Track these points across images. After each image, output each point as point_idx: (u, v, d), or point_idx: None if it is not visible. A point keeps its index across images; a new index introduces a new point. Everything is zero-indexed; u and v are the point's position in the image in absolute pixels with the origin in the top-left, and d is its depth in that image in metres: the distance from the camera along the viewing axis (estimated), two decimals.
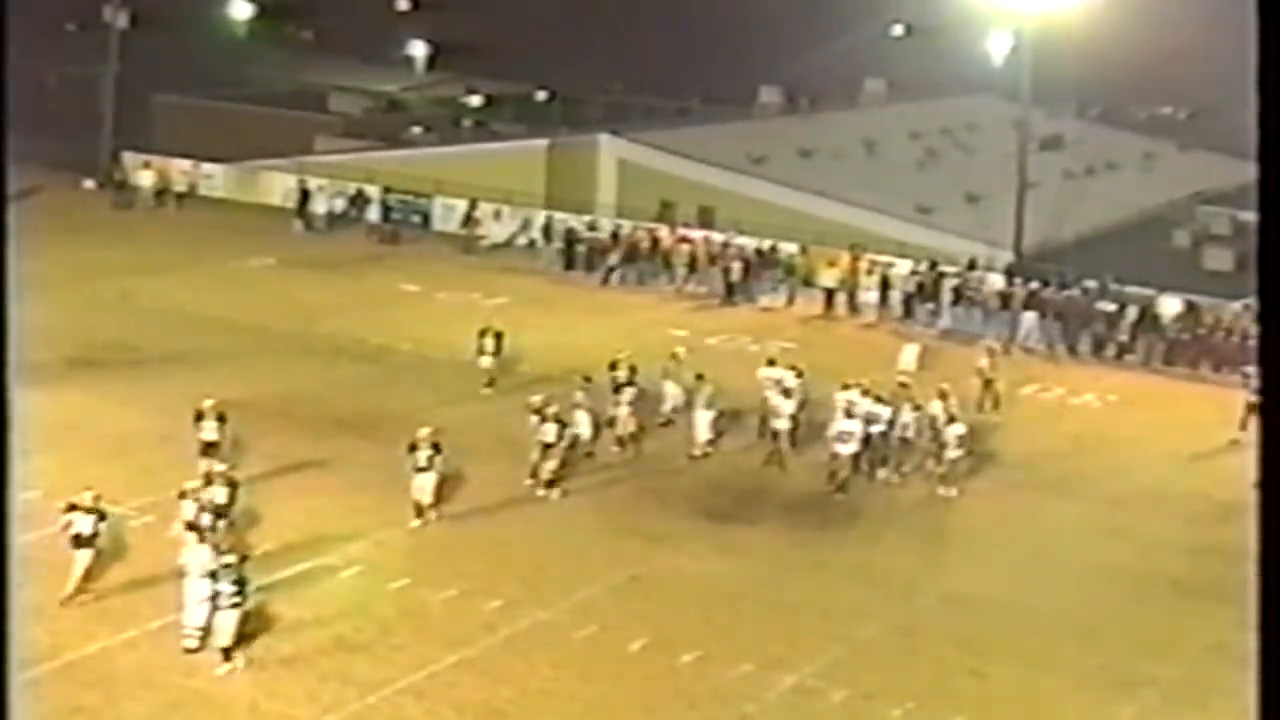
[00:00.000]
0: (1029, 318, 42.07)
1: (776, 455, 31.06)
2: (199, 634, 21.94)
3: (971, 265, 45.04)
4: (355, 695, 21.08)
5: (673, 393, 33.01)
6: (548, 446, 28.76)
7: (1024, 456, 32.73)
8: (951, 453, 30.04)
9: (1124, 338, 41.14)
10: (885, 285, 44.59)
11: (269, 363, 36.33)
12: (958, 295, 43.51)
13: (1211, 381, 38.59)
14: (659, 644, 22.97)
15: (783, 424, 31.24)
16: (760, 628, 23.91)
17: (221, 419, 27.96)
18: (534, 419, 28.81)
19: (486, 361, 34.63)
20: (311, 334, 39.20)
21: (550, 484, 28.74)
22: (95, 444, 29.73)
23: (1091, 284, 43.28)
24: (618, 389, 32.02)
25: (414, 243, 50.94)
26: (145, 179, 54.55)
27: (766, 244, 47.04)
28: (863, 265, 45.47)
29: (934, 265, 44.76)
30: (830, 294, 44.81)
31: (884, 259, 45.62)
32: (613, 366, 32.49)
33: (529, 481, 28.70)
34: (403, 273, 46.20)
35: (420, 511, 26.83)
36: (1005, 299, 42.90)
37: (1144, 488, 31.66)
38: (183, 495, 24.37)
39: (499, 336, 34.86)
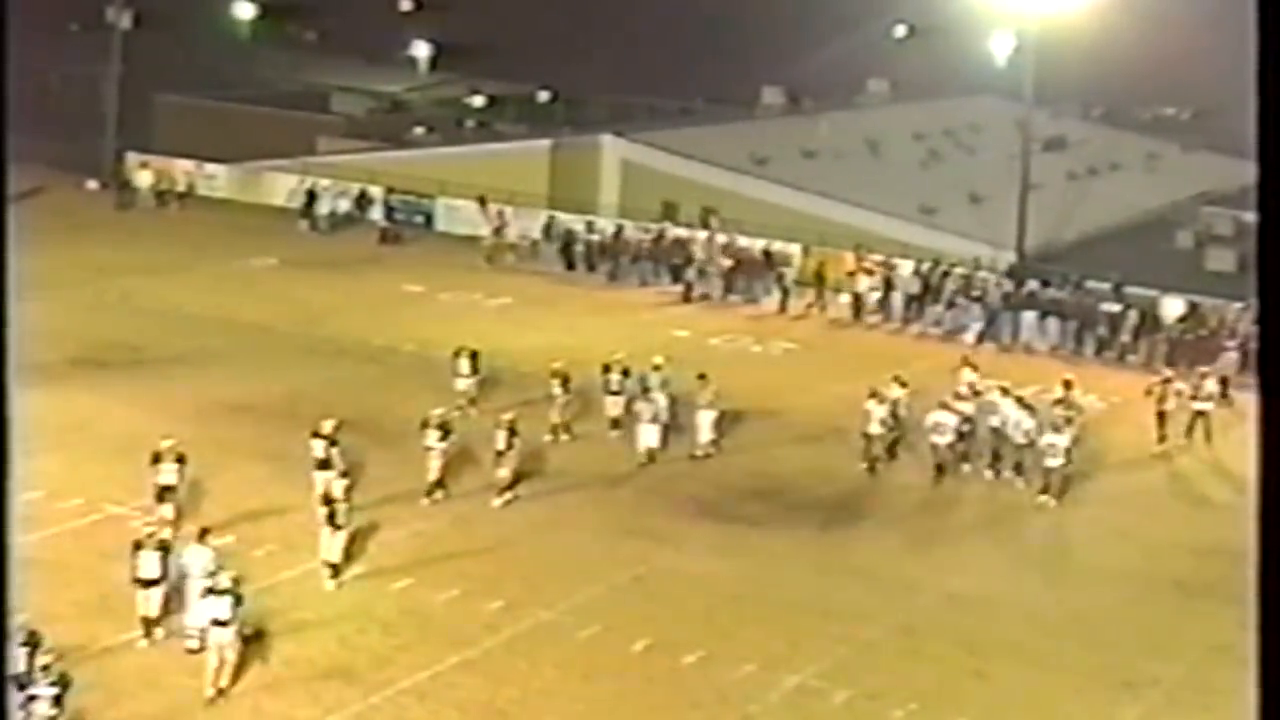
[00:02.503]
0: (1031, 318, 42.07)
1: (885, 452, 31.35)
2: (201, 634, 21.95)
3: (977, 266, 45.05)
4: (358, 695, 21.10)
5: (656, 400, 31.78)
6: (499, 454, 28.39)
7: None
8: (1050, 460, 29.85)
9: (1127, 338, 41.12)
10: (889, 286, 44.53)
11: (272, 363, 36.36)
12: (962, 295, 43.49)
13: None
14: (662, 644, 22.98)
15: (874, 428, 31.09)
16: (763, 628, 23.91)
17: (181, 460, 25.80)
18: (433, 433, 28.11)
19: (463, 384, 32.97)
20: (314, 334, 39.22)
21: (504, 490, 28.35)
22: (98, 444, 29.77)
23: (1095, 285, 43.26)
24: (612, 392, 32.01)
25: (417, 243, 50.97)
26: (143, 179, 54.62)
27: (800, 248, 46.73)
28: (866, 266, 45.41)
29: (937, 264, 44.77)
30: (858, 299, 44.50)
31: (889, 260, 45.54)
32: (606, 369, 32.34)
33: (425, 501, 27.90)
34: (406, 273, 46.22)
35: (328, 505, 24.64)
36: (1008, 299, 42.92)
37: (1147, 488, 31.65)
38: (138, 546, 22.31)
39: (475, 356, 33.37)
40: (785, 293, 44.88)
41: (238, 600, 20.99)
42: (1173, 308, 42.04)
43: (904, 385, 32.28)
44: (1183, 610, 25.67)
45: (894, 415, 31.52)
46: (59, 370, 33.22)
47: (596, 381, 32.60)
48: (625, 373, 32.24)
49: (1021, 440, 30.38)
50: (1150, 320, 41.33)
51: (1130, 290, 42.86)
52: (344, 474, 26.39)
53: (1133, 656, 23.65)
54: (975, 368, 34.18)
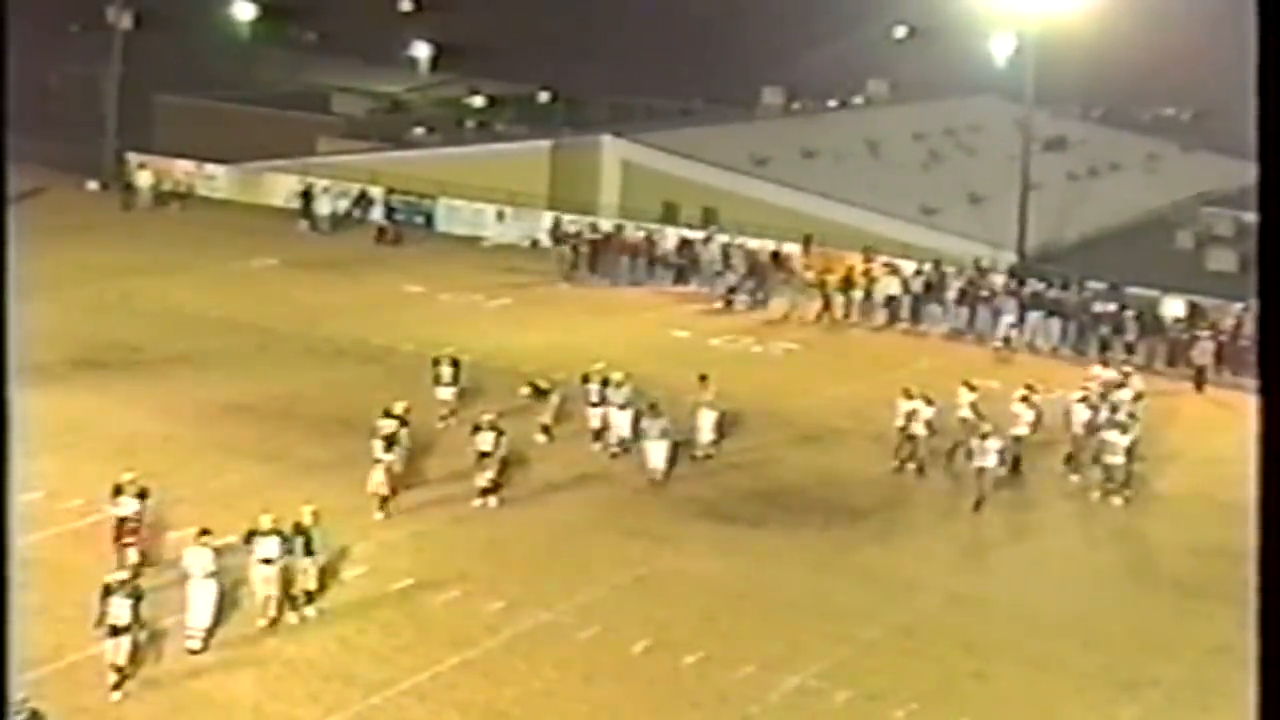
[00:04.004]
0: (1034, 318, 42.05)
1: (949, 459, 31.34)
2: (202, 635, 21.97)
3: (976, 266, 45.05)
4: (358, 696, 21.10)
5: (619, 421, 31.04)
6: (484, 455, 28.13)
7: (1026, 457, 32.64)
8: (1110, 459, 30.03)
9: (1131, 338, 41.06)
10: (904, 287, 44.27)
11: (271, 363, 36.37)
12: (963, 295, 43.46)
13: (1214, 382, 38.55)
14: (662, 645, 22.97)
15: (919, 428, 30.93)
16: (763, 629, 23.90)
17: (142, 495, 24.45)
18: (378, 444, 27.42)
19: (445, 393, 31.99)
20: (314, 335, 39.21)
21: (485, 492, 28.13)
22: (98, 444, 29.75)
23: (1096, 285, 43.23)
24: (592, 404, 31.27)
25: (417, 243, 50.97)
26: (143, 180, 54.63)
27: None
28: (873, 268, 45.19)
29: (937, 265, 44.75)
30: (891, 301, 44.12)
31: (895, 261, 45.39)
32: (585, 379, 31.56)
33: (380, 515, 27.08)
34: (406, 274, 46.21)
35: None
36: (1008, 299, 42.87)
37: (1147, 488, 31.62)
38: (108, 591, 21.00)
39: (456, 364, 32.53)
40: (828, 300, 43.86)
41: (283, 539, 22.80)
42: (1173, 308, 42.03)
43: (973, 389, 32.13)
44: (1182, 610, 25.66)
45: (963, 420, 31.41)
46: (59, 370, 33.22)
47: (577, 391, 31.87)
48: (605, 382, 31.43)
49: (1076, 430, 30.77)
50: (1151, 321, 41.30)
51: (1130, 290, 42.83)
52: (409, 451, 27.82)
53: (1133, 656, 23.65)
54: (1107, 364, 34.51)
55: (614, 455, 30.84)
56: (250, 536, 22.84)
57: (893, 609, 24.96)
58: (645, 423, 30.20)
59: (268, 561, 22.70)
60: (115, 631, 20.70)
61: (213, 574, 22.31)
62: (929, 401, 31.19)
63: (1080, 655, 23.56)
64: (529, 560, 26.11)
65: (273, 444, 30.30)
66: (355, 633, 22.97)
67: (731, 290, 45.12)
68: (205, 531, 23.00)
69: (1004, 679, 22.80)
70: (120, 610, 20.73)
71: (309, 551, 23.25)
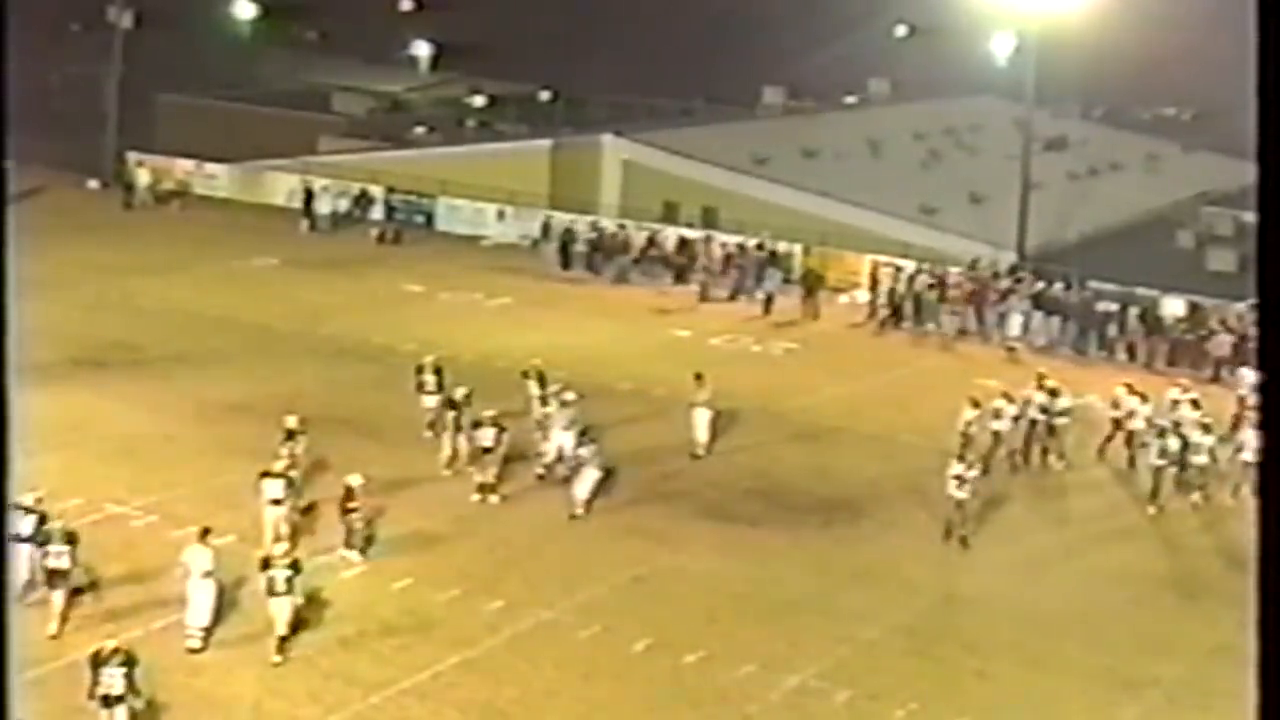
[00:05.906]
0: (1038, 317, 42.03)
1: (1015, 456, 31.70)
2: (202, 634, 21.98)
3: (974, 265, 45.04)
4: (358, 695, 21.11)
5: (563, 441, 29.27)
6: (485, 450, 28.15)
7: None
8: (1198, 458, 30.09)
9: (1136, 339, 41.02)
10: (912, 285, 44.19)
11: (272, 363, 36.36)
12: (970, 295, 43.37)
13: (1220, 380, 38.54)
14: (662, 644, 22.98)
15: (1003, 425, 31.07)
16: (763, 628, 23.91)
17: (71, 540, 22.64)
18: (272, 485, 26.12)
19: (429, 401, 30.93)
20: (314, 334, 39.21)
21: (484, 489, 28.13)
22: (99, 444, 29.77)
23: (1102, 285, 43.20)
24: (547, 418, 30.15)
25: (417, 243, 50.97)
26: (143, 179, 54.64)
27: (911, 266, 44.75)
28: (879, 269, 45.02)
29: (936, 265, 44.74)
30: (916, 300, 43.85)
31: (898, 262, 45.31)
32: (544, 402, 30.58)
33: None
34: (406, 273, 46.21)
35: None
36: (1019, 298, 42.80)
37: (1147, 488, 31.60)
38: (99, 661, 19.63)
39: (439, 372, 31.49)
40: (894, 308, 43.49)
41: (290, 483, 25.38)
42: (1173, 308, 42.01)
43: (1046, 388, 32.28)
44: (1183, 611, 25.66)
45: (1031, 422, 31.60)
46: (59, 370, 33.20)
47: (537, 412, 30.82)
48: (562, 395, 30.38)
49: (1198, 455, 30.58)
50: (1152, 320, 41.28)
51: (1132, 290, 42.80)
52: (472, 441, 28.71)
53: (1133, 656, 23.65)
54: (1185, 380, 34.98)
55: (539, 476, 29.17)
56: (262, 476, 25.27)
57: (893, 609, 24.95)
58: (583, 450, 28.49)
59: (276, 502, 25.11)
60: (108, 701, 19.62)
61: (211, 573, 22.30)
62: (1010, 399, 31.41)
63: (1081, 655, 23.56)
64: (529, 559, 26.11)
65: (273, 443, 30.19)
66: (355, 632, 22.97)
67: (769, 297, 44.40)
68: (206, 531, 23.01)
69: (1004, 679, 22.80)
70: (113, 680, 19.53)
71: (272, 591, 22.10)
